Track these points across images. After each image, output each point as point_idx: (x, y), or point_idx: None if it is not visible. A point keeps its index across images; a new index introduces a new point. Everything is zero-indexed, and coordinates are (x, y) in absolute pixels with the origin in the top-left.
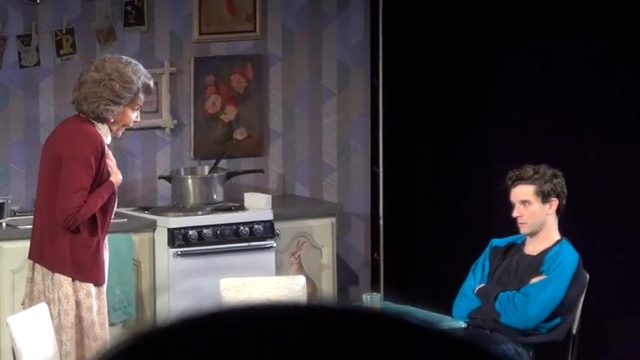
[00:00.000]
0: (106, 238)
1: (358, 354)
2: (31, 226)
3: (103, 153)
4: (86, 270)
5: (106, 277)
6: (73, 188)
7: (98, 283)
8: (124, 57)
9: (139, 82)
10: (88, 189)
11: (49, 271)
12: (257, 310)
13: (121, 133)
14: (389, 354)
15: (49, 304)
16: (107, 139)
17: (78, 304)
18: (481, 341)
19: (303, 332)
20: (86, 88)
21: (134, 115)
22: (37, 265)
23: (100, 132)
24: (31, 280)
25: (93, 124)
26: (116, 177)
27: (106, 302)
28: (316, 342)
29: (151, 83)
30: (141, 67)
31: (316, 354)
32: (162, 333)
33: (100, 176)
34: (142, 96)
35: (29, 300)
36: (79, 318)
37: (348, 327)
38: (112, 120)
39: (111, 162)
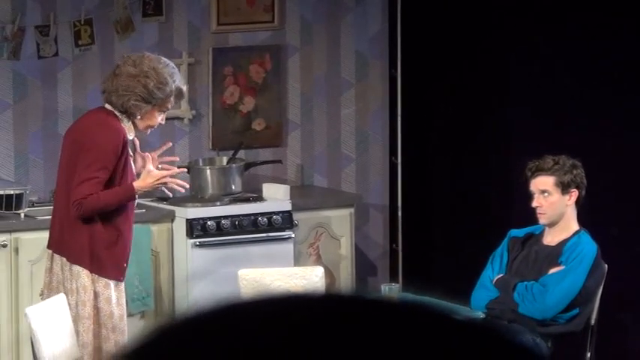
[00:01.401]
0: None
1: (382, 344)
2: (49, 217)
3: (124, 148)
4: (104, 266)
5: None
6: (85, 177)
7: (116, 280)
8: (163, 58)
9: (173, 86)
10: (101, 181)
11: (68, 262)
12: (279, 300)
13: (148, 132)
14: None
15: (67, 295)
16: (130, 135)
17: (96, 295)
18: (506, 331)
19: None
20: (120, 80)
21: (160, 118)
22: (56, 256)
23: (124, 125)
24: (50, 271)
25: (118, 118)
26: (143, 182)
27: (124, 294)
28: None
29: (185, 89)
30: (177, 71)
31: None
32: (183, 326)
33: (121, 172)
34: (172, 100)
35: (48, 290)
36: (96, 309)
37: (372, 317)
38: (139, 117)
39: (151, 165)
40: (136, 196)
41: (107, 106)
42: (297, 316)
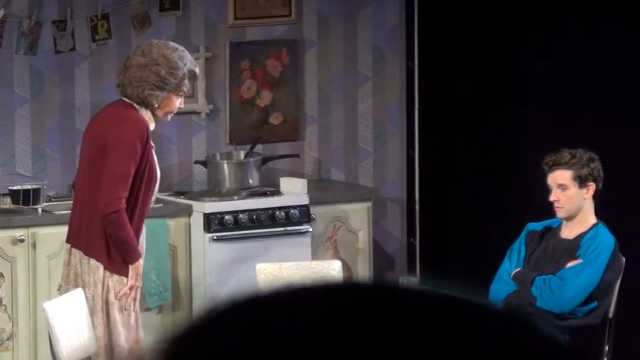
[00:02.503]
0: (144, 230)
1: (408, 333)
2: (67, 212)
3: (148, 138)
4: (119, 264)
5: (142, 267)
6: (117, 173)
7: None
8: (170, 43)
9: (185, 69)
10: (131, 174)
11: (85, 256)
12: (302, 290)
13: (168, 119)
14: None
15: (84, 288)
16: (151, 126)
17: (109, 289)
18: (537, 321)
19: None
20: (131, 72)
21: (178, 102)
22: (74, 249)
23: (144, 116)
24: (68, 264)
25: (137, 109)
26: (133, 280)
27: (139, 290)
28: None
29: (197, 70)
30: (187, 53)
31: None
32: (213, 320)
33: (145, 162)
34: (187, 82)
35: (65, 283)
36: (110, 304)
37: (396, 304)
38: (157, 105)
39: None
40: (158, 179)
41: (124, 99)
42: (326, 305)
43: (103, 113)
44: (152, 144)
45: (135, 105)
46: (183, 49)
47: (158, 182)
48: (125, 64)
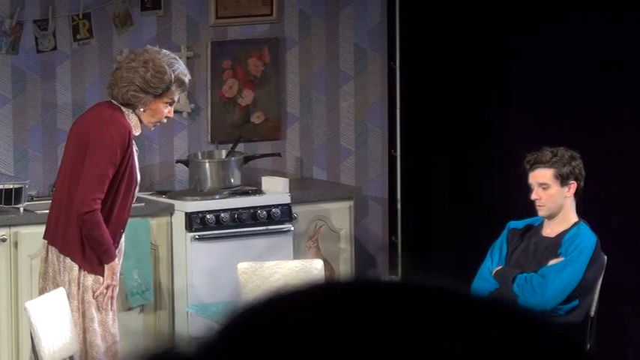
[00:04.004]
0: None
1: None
2: (47, 211)
3: (129, 143)
4: (95, 262)
5: (119, 266)
6: (95, 174)
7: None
8: (164, 50)
9: (172, 75)
10: (109, 177)
11: (61, 254)
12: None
13: (153, 127)
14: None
15: (60, 286)
16: (136, 131)
17: (85, 289)
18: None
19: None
20: (120, 72)
21: (166, 110)
22: (51, 247)
23: (129, 121)
24: (46, 260)
25: (123, 112)
26: (112, 272)
27: (117, 288)
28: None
29: (187, 80)
30: (179, 62)
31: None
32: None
33: (125, 167)
34: (174, 90)
35: (43, 280)
36: (86, 303)
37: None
38: (142, 110)
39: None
40: (138, 183)
41: (112, 100)
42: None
43: (90, 113)
44: (135, 148)
45: (122, 108)
46: (176, 57)
47: (138, 187)
48: (116, 66)
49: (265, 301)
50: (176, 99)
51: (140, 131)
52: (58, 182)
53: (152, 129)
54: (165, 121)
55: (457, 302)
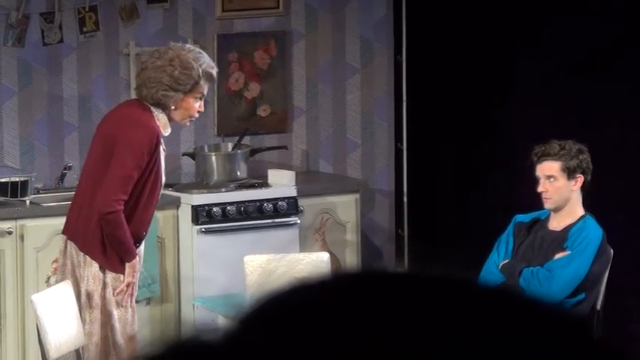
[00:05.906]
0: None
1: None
2: (54, 204)
3: (157, 146)
4: (115, 261)
5: (139, 264)
6: (120, 175)
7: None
8: (188, 45)
9: (200, 70)
10: (134, 179)
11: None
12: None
13: (187, 123)
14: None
15: (79, 281)
16: (165, 131)
17: (105, 285)
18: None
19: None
20: (147, 73)
21: (197, 105)
22: (70, 242)
23: (158, 122)
24: (64, 254)
25: (152, 112)
26: (133, 270)
27: (137, 286)
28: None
29: (214, 72)
30: (205, 55)
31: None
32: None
33: (151, 169)
34: (203, 84)
35: (61, 273)
36: (105, 299)
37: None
38: (173, 107)
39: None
40: (136, 256)
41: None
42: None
43: (119, 111)
44: (163, 147)
45: (151, 107)
46: (200, 51)
47: (162, 189)
48: (141, 66)
49: (289, 292)
50: (205, 92)
51: (170, 131)
52: (82, 178)
53: (187, 124)
54: (197, 115)
55: (466, 291)
